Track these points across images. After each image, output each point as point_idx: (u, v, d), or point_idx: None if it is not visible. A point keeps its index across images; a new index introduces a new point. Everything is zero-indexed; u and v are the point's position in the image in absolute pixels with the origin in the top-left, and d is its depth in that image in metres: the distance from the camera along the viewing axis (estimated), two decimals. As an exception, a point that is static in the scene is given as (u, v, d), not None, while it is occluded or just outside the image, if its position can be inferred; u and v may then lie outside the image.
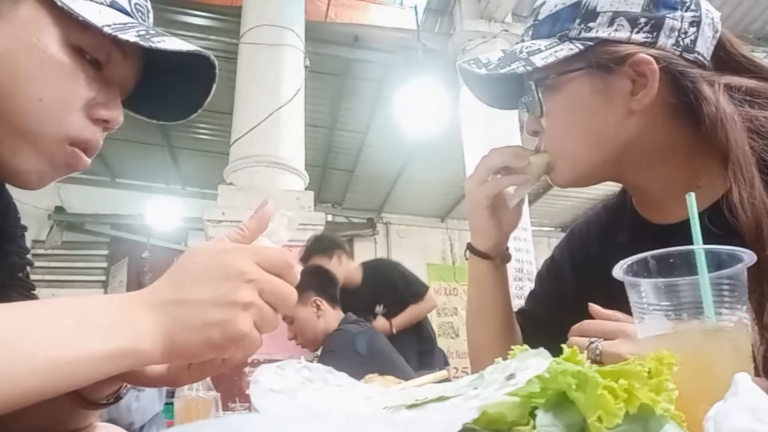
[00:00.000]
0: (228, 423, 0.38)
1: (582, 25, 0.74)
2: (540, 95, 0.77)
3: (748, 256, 0.53)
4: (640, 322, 0.56)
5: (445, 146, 5.84)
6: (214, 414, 2.14)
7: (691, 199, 0.58)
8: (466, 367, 6.59)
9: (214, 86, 0.70)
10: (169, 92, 0.73)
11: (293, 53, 4.15)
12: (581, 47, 0.73)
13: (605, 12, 0.73)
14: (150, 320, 0.47)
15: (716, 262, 0.53)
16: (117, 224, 7.05)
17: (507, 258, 0.92)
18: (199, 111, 0.74)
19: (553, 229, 9.27)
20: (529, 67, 0.74)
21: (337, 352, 2.16)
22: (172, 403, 2.37)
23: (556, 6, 0.77)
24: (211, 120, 6.41)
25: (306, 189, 3.93)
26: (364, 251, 8.12)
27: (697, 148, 0.75)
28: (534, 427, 0.33)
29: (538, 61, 0.74)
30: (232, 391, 3.29)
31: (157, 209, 6.81)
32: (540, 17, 0.79)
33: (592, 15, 0.74)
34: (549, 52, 0.74)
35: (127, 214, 7.00)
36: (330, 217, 7.90)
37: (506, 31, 5.02)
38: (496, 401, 0.34)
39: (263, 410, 0.44)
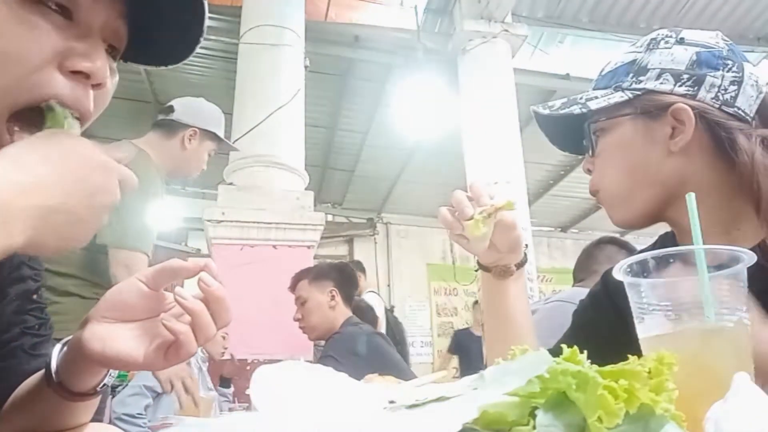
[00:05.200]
0: (227, 422, 0.38)
1: (634, 78, 0.87)
2: (593, 136, 0.90)
3: (748, 256, 0.53)
4: (640, 323, 0.57)
5: (445, 146, 5.85)
6: (214, 414, 2.14)
7: (691, 198, 0.59)
8: (467, 367, 6.49)
9: (206, 5, 0.63)
10: (164, 32, 0.65)
11: (293, 53, 4.14)
12: (630, 95, 0.86)
13: (654, 69, 0.86)
14: (26, 225, 0.46)
15: (716, 263, 0.53)
16: (117, 224, 7.04)
17: (505, 272, 0.97)
18: (199, 44, 0.67)
19: (553, 229, 9.27)
20: (584, 110, 0.88)
21: (337, 358, 2.17)
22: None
23: (615, 64, 0.90)
24: (211, 120, 6.41)
25: (306, 189, 3.93)
26: (364, 251, 8.12)
27: (737, 193, 0.82)
28: (534, 427, 0.33)
29: (593, 104, 0.87)
30: (232, 391, 3.30)
31: (157, 209, 6.80)
32: (602, 73, 0.92)
33: (643, 71, 0.86)
34: (603, 99, 0.87)
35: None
36: (330, 217, 7.91)
37: (506, 31, 5.02)
38: (496, 401, 0.34)
39: (263, 410, 0.44)
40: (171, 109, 2.23)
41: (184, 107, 2.23)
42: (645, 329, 0.56)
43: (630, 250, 2.27)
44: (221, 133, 2.27)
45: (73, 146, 0.52)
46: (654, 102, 0.84)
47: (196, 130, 2.18)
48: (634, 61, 0.88)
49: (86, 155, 0.51)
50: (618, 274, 0.57)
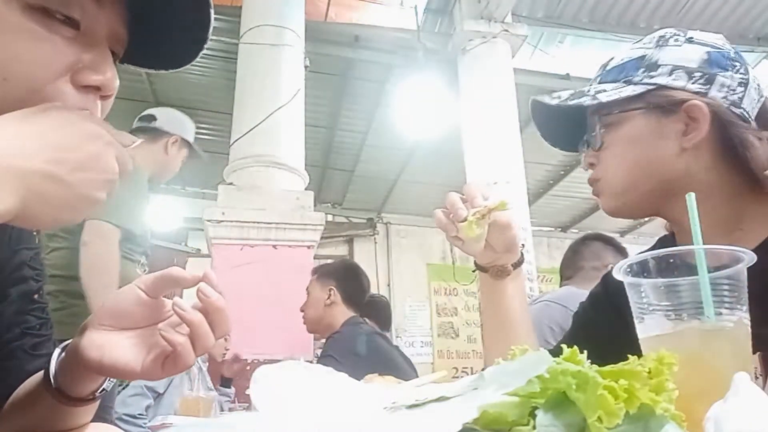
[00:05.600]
0: (227, 422, 0.38)
1: (645, 74, 0.85)
2: (601, 129, 0.88)
3: (748, 256, 0.53)
4: (640, 322, 0.57)
5: (445, 146, 5.85)
6: (214, 414, 2.14)
7: (691, 199, 0.59)
8: (466, 367, 6.64)
9: (212, 11, 0.61)
10: (169, 35, 0.64)
11: (293, 53, 4.14)
12: (642, 90, 0.84)
13: (666, 65, 0.85)
14: (13, 188, 0.44)
15: (716, 263, 0.53)
16: (117, 224, 7.03)
17: (502, 272, 0.97)
18: (202, 50, 0.65)
19: (553, 229, 9.27)
20: (594, 101, 0.86)
21: (337, 357, 2.18)
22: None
23: (623, 59, 0.89)
24: (211, 120, 6.41)
25: (306, 189, 3.93)
26: (364, 251, 8.12)
27: (741, 193, 0.83)
28: (534, 427, 0.33)
29: (603, 97, 0.86)
30: (234, 391, 3.29)
31: (157, 209, 6.80)
32: (608, 68, 0.91)
33: (654, 66, 0.85)
34: (614, 92, 0.86)
35: (127, 214, 6.98)
36: (330, 217, 7.90)
37: (506, 31, 5.02)
38: (496, 401, 0.34)
39: (263, 410, 0.44)
40: (152, 118, 2.46)
41: (166, 116, 2.50)
42: (645, 329, 0.56)
43: (616, 246, 2.27)
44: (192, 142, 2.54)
45: (67, 116, 0.50)
46: (667, 97, 0.83)
47: (178, 138, 2.43)
48: (644, 56, 0.87)
49: (80, 125, 0.50)
50: (618, 274, 0.57)
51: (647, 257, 0.56)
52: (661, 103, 0.84)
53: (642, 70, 0.86)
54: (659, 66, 0.85)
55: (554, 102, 0.91)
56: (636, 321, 0.57)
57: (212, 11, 0.62)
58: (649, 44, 0.88)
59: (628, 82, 0.86)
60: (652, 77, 0.85)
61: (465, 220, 0.84)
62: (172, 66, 0.68)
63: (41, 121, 0.48)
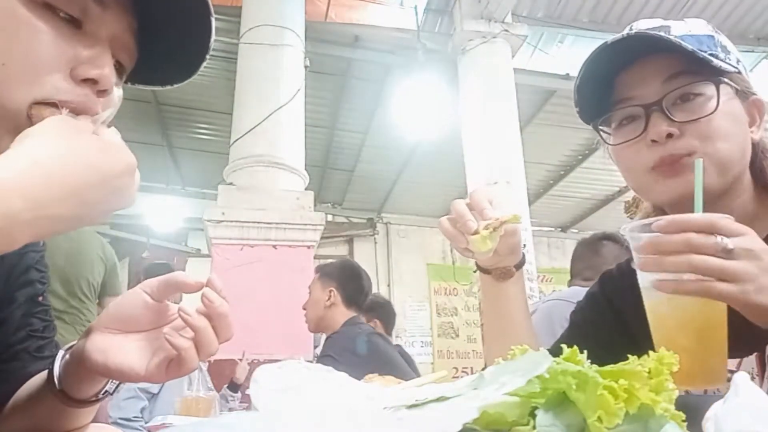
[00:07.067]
0: (227, 422, 0.38)
1: (725, 55, 0.80)
2: (696, 96, 0.78)
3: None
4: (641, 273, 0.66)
5: (445, 146, 5.85)
6: (214, 414, 2.14)
7: (699, 165, 0.64)
8: (466, 368, 6.63)
9: (213, 25, 0.64)
10: (172, 52, 0.67)
11: (293, 53, 4.14)
12: (732, 70, 0.79)
13: (733, 53, 0.81)
14: (35, 232, 0.45)
15: None
16: (117, 224, 7.02)
17: (506, 274, 0.95)
18: (206, 60, 0.68)
19: (553, 229, 9.27)
20: (723, 65, 0.78)
21: (335, 357, 2.18)
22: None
23: (690, 30, 0.81)
24: (211, 120, 6.42)
25: (306, 189, 3.93)
26: (364, 251, 8.12)
27: (759, 193, 0.83)
28: (534, 427, 0.33)
29: (726, 66, 0.78)
30: (239, 396, 3.29)
31: (157, 209, 6.81)
32: (678, 35, 0.79)
33: (726, 50, 0.81)
34: (724, 63, 0.78)
35: (127, 214, 6.99)
36: (330, 217, 7.90)
37: (506, 31, 5.01)
38: (496, 401, 0.34)
39: (263, 410, 0.44)
40: None
41: None
42: (647, 276, 0.64)
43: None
44: None
45: (100, 148, 0.50)
46: (746, 85, 0.81)
47: None
48: (713, 36, 0.82)
49: (115, 158, 0.50)
50: (624, 232, 0.65)
51: (650, 221, 0.63)
52: (743, 89, 0.80)
53: (720, 50, 0.80)
54: (729, 52, 0.81)
55: (688, 47, 0.75)
56: (638, 275, 0.65)
57: (213, 20, 0.64)
58: (708, 26, 0.83)
59: (715, 57, 0.78)
60: (729, 61, 0.80)
61: (476, 232, 0.80)
62: (176, 81, 0.71)
63: (73, 154, 0.47)
